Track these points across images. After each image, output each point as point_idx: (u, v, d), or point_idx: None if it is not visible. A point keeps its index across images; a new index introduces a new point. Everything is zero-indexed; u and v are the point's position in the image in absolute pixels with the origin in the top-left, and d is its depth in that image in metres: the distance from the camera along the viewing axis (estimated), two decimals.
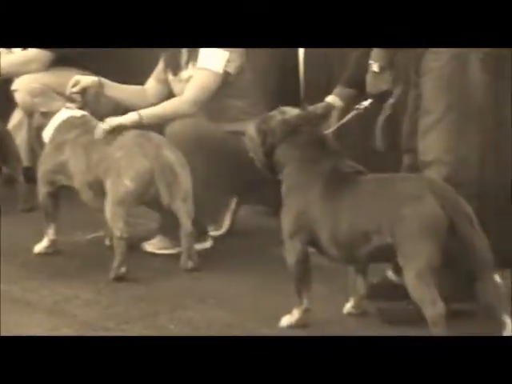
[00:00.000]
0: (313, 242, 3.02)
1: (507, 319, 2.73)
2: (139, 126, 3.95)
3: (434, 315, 2.65)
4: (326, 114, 3.66)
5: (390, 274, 3.33)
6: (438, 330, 2.65)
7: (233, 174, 4.11)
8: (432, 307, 2.65)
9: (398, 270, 3.04)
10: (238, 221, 4.52)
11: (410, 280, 2.72)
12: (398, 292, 3.01)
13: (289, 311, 3.12)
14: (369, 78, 3.30)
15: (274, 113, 3.18)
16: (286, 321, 3.11)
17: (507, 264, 2.98)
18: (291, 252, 3.05)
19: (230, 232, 4.47)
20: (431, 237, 2.70)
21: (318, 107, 3.61)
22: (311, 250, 3.09)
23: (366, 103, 3.45)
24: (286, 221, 3.06)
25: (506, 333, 2.71)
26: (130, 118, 3.99)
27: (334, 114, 3.73)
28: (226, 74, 4.10)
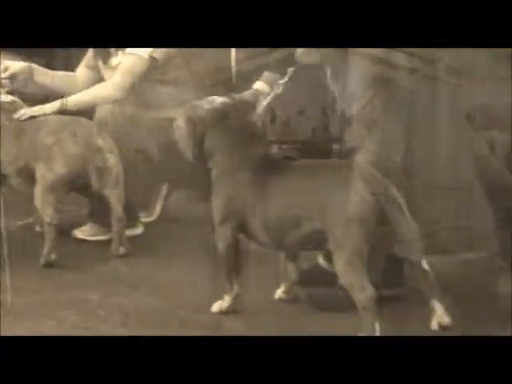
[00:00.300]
0: (243, 227, 2.96)
1: (436, 305, 2.70)
2: (68, 111, 3.86)
3: (363, 300, 2.59)
4: (254, 101, 3.59)
5: (321, 261, 3.27)
6: (368, 315, 2.59)
7: (163, 160, 4.04)
8: (361, 293, 2.60)
9: (328, 257, 2.98)
10: (169, 207, 4.45)
11: (340, 266, 2.66)
12: (329, 278, 2.95)
13: (220, 297, 3.04)
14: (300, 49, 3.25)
15: (202, 101, 3.10)
16: (218, 307, 3.05)
17: (433, 250, 2.93)
18: (221, 238, 2.98)
19: (162, 218, 4.40)
20: (361, 223, 2.64)
21: (245, 94, 3.54)
22: (242, 235, 3.01)
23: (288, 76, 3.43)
24: (217, 207, 3.00)
25: (436, 318, 2.68)
26: (54, 105, 3.88)
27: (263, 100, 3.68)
28: (153, 59, 4.00)
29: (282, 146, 3.04)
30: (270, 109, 3.59)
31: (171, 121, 3.39)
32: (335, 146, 3.29)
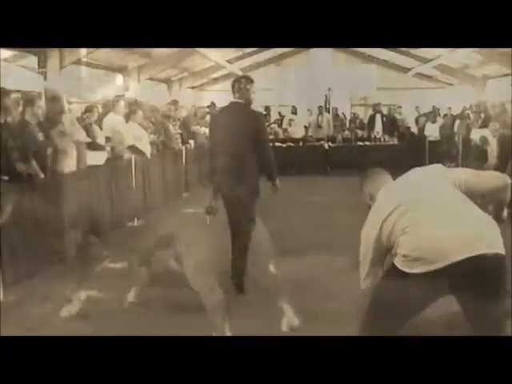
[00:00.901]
0: (94, 231, 2.86)
1: (285, 306, 2.67)
2: None
3: (212, 303, 2.55)
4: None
5: (172, 263, 3.20)
6: (217, 316, 2.53)
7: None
8: (210, 295, 2.55)
9: (179, 259, 2.92)
10: (18, 209, 4.26)
11: (190, 269, 2.61)
12: (180, 280, 2.89)
13: (70, 301, 2.94)
14: None
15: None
16: (67, 311, 2.92)
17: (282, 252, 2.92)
18: (72, 241, 2.88)
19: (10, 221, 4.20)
20: (209, 227, 2.59)
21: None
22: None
23: None
24: (67, 210, 2.89)
25: (286, 320, 2.65)
26: None
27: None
28: None
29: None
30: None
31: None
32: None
